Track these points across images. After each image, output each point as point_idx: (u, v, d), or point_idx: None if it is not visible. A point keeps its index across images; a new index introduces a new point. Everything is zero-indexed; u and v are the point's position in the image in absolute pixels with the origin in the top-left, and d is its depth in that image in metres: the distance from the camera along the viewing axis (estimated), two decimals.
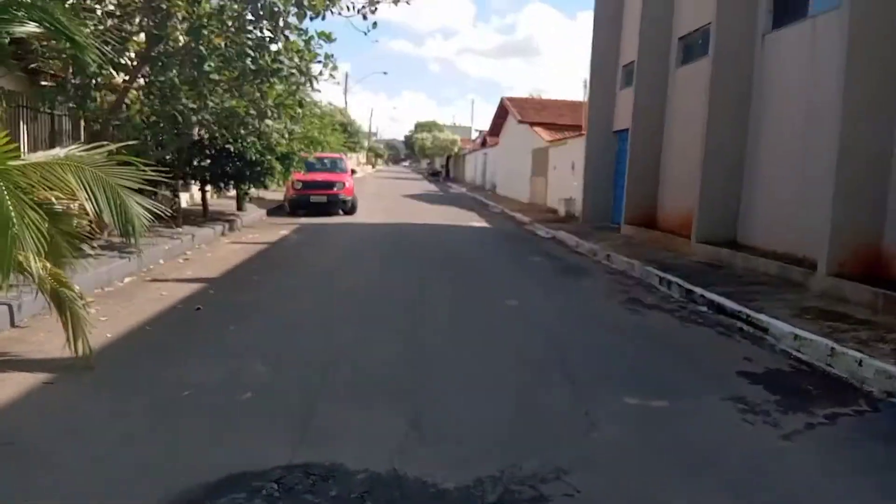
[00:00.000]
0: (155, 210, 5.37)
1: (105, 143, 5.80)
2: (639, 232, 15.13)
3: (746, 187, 11.87)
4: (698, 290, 8.61)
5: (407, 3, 10.10)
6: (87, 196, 4.89)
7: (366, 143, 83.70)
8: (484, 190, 42.74)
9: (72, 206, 5.71)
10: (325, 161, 20.86)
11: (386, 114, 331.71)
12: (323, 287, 8.60)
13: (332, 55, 10.31)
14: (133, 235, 5.20)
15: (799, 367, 5.96)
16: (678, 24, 15.18)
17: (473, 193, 36.95)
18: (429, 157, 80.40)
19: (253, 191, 18.27)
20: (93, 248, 7.66)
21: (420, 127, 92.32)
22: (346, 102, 54.29)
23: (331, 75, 10.76)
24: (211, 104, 9.33)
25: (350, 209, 18.93)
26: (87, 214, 5.27)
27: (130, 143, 6.61)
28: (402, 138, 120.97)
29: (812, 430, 4.42)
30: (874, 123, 8.42)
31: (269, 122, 10.06)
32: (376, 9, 10.04)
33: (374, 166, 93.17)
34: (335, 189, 18.52)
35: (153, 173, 5.35)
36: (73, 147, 5.38)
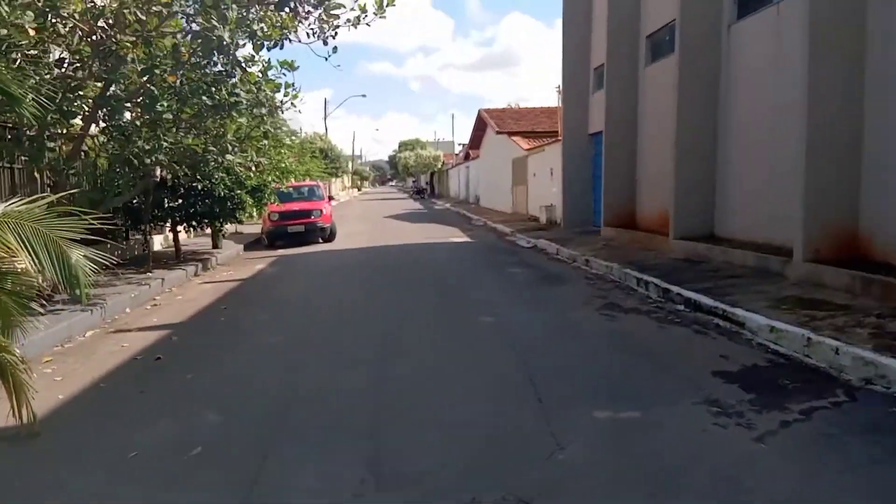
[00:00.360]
0: (102, 260, 5.16)
1: (46, 194, 5.62)
2: (619, 233, 15.00)
3: (721, 179, 11.77)
4: (675, 289, 8.46)
5: (367, 24, 9.90)
6: (27, 253, 4.70)
7: (350, 167, 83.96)
8: (468, 203, 42.70)
9: (16, 264, 5.52)
10: (302, 190, 20.71)
11: (371, 136, 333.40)
12: (291, 322, 8.39)
13: (294, 84, 10.18)
14: (78, 289, 4.99)
15: (776, 360, 5.79)
16: (645, 23, 15.16)
17: (457, 208, 36.86)
18: (413, 175, 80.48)
19: (230, 226, 18.11)
20: (44, 305, 7.43)
21: (403, 146, 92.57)
22: (325, 128, 54.41)
23: (292, 104, 10.64)
24: (166, 144, 9.16)
25: (329, 236, 18.76)
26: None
27: (76, 191, 6.41)
28: (387, 159, 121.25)
29: (787, 429, 4.24)
30: (841, 106, 8.33)
31: (229, 156, 9.88)
32: (336, 33, 9.88)
33: (359, 189, 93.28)
34: (312, 217, 18.36)
35: (97, 222, 5.16)
36: (12, 201, 5.19)
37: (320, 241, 18.74)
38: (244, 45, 8.73)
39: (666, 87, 13.06)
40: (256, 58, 9.57)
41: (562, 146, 19.28)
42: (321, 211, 18.56)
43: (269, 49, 9.59)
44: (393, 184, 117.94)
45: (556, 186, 20.39)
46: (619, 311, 8.19)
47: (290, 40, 9.68)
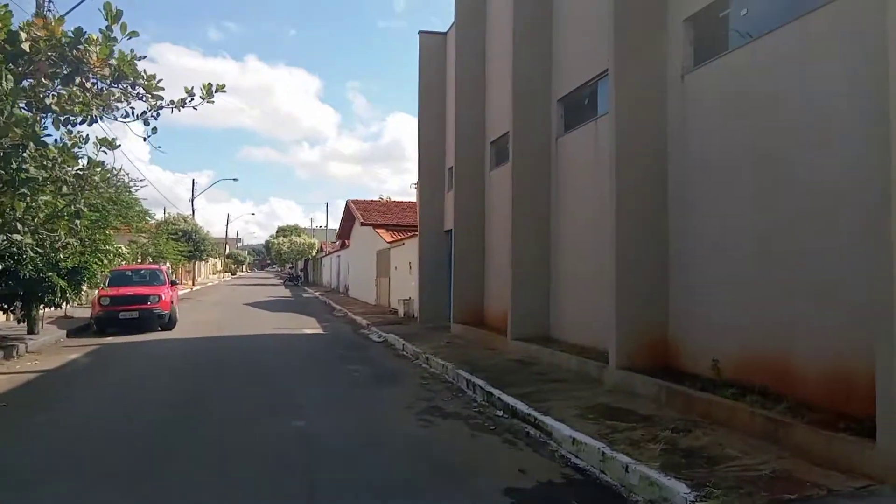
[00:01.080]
0: None
1: None
2: (467, 330, 14.93)
3: (554, 282, 12.05)
4: (497, 393, 8.26)
5: (194, 108, 9.45)
6: None
7: (224, 251, 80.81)
8: (338, 293, 41.91)
9: None
10: (143, 273, 19.33)
11: (254, 220, 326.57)
12: (61, 433, 7.25)
13: (102, 161, 9.44)
14: None
15: (573, 476, 5.59)
16: (490, 129, 15.83)
17: (326, 297, 35.97)
18: (286, 261, 78.66)
19: (60, 309, 16.41)
20: None
21: (281, 231, 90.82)
22: (193, 210, 52.29)
23: (102, 181, 9.91)
24: None
25: (168, 324, 17.38)
26: None
27: None
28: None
29: None
30: (650, 211, 8.75)
31: (17, 237, 8.87)
32: (159, 114, 9.33)
33: (232, 273, 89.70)
34: (149, 303, 17.00)
35: None
36: None
37: (159, 328, 17.31)
38: (41, 119, 7.99)
39: (507, 190, 13.48)
40: (62, 134, 8.81)
41: (418, 241, 19.37)
42: (159, 296, 17.24)
43: (73, 125, 8.76)
44: (273, 269, 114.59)
45: (414, 280, 20.32)
46: (438, 416, 7.83)
47: (101, 118, 8.96)
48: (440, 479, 5.50)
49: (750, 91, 7.33)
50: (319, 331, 18.65)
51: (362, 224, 30.31)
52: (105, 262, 13.88)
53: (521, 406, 7.49)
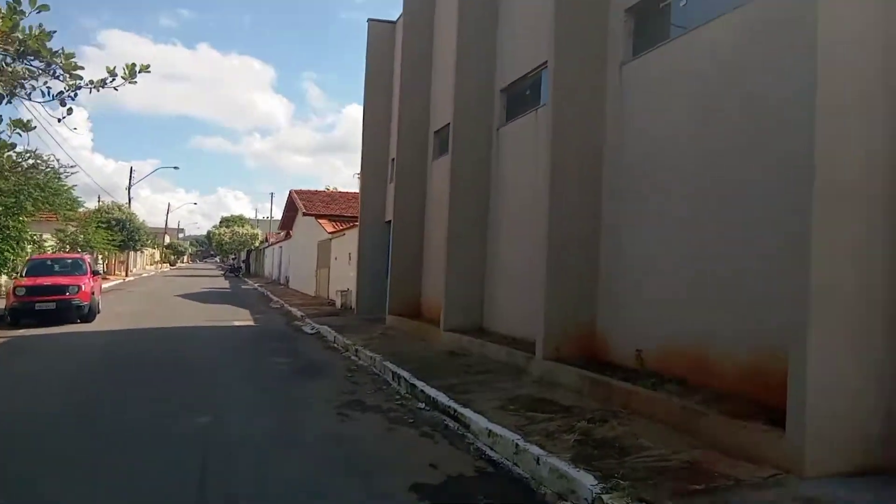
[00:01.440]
0: None
1: None
2: (402, 322, 14.67)
3: (489, 273, 11.90)
4: (420, 385, 8.03)
5: (115, 89, 8.86)
6: None
7: (163, 240, 78.20)
8: (278, 284, 41.06)
9: None
10: (64, 262, 18.36)
11: (199, 210, 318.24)
12: None
13: (13, 143, 8.83)
14: None
15: (486, 469, 5.40)
16: (434, 120, 15.56)
17: (265, 289, 35.11)
18: (228, 252, 76.79)
19: None
20: None
21: (225, 222, 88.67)
22: (129, 198, 50.33)
23: (20, 165, 9.23)
24: None
25: (87, 315, 16.52)
26: None
27: None
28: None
29: None
30: (581, 210, 8.64)
31: None
32: (76, 94, 8.72)
33: (171, 264, 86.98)
34: (67, 294, 16.10)
35: None
36: None
37: (78, 320, 16.44)
38: None
39: (446, 181, 13.25)
40: None
41: (359, 231, 18.98)
42: (79, 287, 16.36)
43: None
44: (214, 260, 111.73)
45: (353, 271, 19.91)
46: (358, 411, 7.54)
47: (10, 98, 8.35)
48: (346, 477, 5.23)
49: (685, 82, 7.25)
50: (251, 323, 18.09)
51: (304, 214, 29.68)
52: (19, 250, 13.02)
53: (442, 398, 7.28)
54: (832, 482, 4.54)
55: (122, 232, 39.49)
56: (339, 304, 20.70)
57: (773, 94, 6.02)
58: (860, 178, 4.86)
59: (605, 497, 4.26)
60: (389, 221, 18.54)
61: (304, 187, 37.98)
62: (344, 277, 21.59)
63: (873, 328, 4.86)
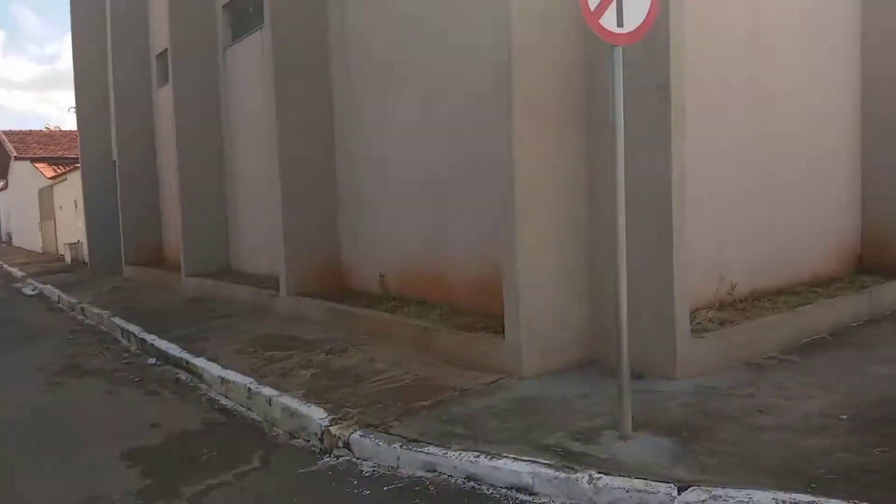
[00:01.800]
0: None
1: None
2: (141, 272, 13.32)
3: (231, 209, 11.11)
4: (150, 339, 7.27)
5: None
6: None
7: None
8: (0, 243, 35.21)
9: None
10: None
11: None
12: None
13: None
14: None
15: (216, 419, 5.02)
16: (154, 42, 13.79)
17: None
18: None
19: None
20: None
21: None
22: None
23: None
24: None
25: None
26: None
27: None
28: None
29: None
30: (312, 135, 8.24)
31: None
32: None
33: None
34: None
35: None
36: None
37: None
38: None
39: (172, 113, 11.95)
40: None
41: (81, 174, 16.58)
42: None
43: None
44: None
45: (81, 221, 17.52)
46: (75, 377, 6.62)
47: None
48: (44, 457, 4.50)
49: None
50: None
51: (16, 158, 25.34)
52: None
53: (173, 350, 6.66)
54: (548, 378, 4.90)
55: None
56: (69, 258, 18.22)
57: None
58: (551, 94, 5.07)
59: (332, 429, 4.14)
60: (115, 161, 16.47)
61: (26, 128, 32.15)
62: (72, 228, 18.96)
63: (570, 239, 5.21)
